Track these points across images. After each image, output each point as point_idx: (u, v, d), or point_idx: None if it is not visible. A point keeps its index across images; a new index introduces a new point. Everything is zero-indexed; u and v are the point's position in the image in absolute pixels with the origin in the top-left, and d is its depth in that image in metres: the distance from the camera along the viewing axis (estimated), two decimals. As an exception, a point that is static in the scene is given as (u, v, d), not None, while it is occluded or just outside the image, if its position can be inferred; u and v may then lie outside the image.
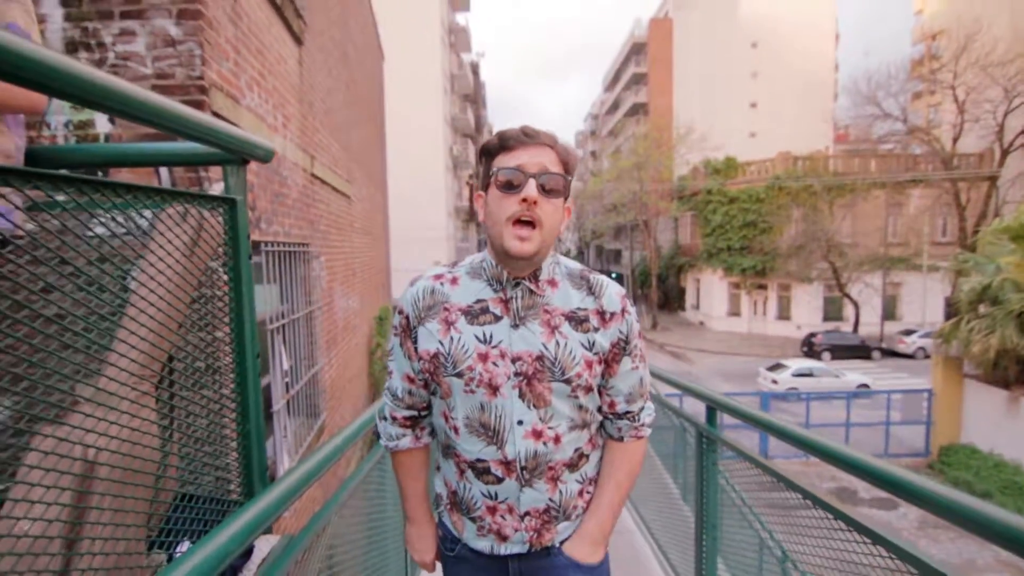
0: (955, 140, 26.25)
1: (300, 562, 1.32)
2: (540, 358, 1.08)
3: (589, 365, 1.11)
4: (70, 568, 0.98)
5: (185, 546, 1.11)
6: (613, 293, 1.16)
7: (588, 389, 1.12)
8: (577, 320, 1.12)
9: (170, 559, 1.08)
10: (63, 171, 0.96)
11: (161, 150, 1.43)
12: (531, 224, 1.06)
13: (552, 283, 1.14)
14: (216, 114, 2.59)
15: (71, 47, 2.46)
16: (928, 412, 14.09)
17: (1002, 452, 12.34)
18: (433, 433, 1.26)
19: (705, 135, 33.22)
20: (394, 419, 1.24)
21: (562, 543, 1.16)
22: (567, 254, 67.30)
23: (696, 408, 2.63)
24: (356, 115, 7.78)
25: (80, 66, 0.82)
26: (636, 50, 48.31)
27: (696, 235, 32.89)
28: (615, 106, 54.50)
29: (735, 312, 31.64)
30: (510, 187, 1.06)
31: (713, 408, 2.06)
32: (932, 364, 14.51)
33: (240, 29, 2.95)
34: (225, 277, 1.27)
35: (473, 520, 1.16)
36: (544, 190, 1.06)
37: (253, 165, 2.95)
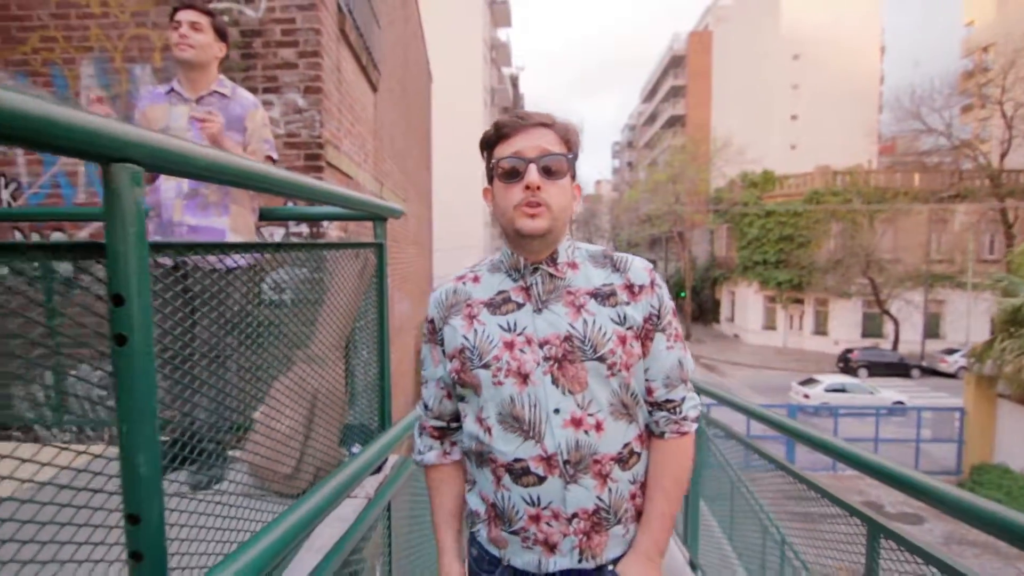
0: (1003, 156, 25.73)
1: (409, 475, 2.09)
2: (568, 338, 1.04)
3: (623, 340, 1.05)
4: (305, 451, 1.77)
5: (356, 448, 1.88)
6: (640, 267, 1.12)
7: (627, 368, 1.06)
8: (603, 296, 1.08)
9: (349, 454, 1.86)
10: (292, 240, 1.76)
11: (341, 213, 2.22)
12: (539, 205, 1.04)
13: (572, 265, 1.11)
14: (328, 163, 3.43)
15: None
16: (960, 430, 14.11)
17: (1035, 472, 12.34)
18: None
19: (743, 148, 33.26)
20: (423, 429, 1.23)
21: (614, 562, 1.07)
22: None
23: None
24: (411, 139, 8.68)
25: (305, 179, 1.59)
26: (675, 63, 48.60)
27: (732, 248, 32.91)
28: (652, 118, 54.79)
29: (770, 326, 31.48)
30: (512, 175, 1.05)
31: (698, 392, 2.78)
32: (964, 383, 14.52)
33: (341, 93, 3.80)
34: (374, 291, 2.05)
35: (516, 533, 1.08)
36: (547, 172, 1.04)
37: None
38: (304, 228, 3.20)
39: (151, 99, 2.13)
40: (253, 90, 3.32)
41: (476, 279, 1.14)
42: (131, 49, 3.39)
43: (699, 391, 2.96)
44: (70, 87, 3.44)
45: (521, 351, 1.05)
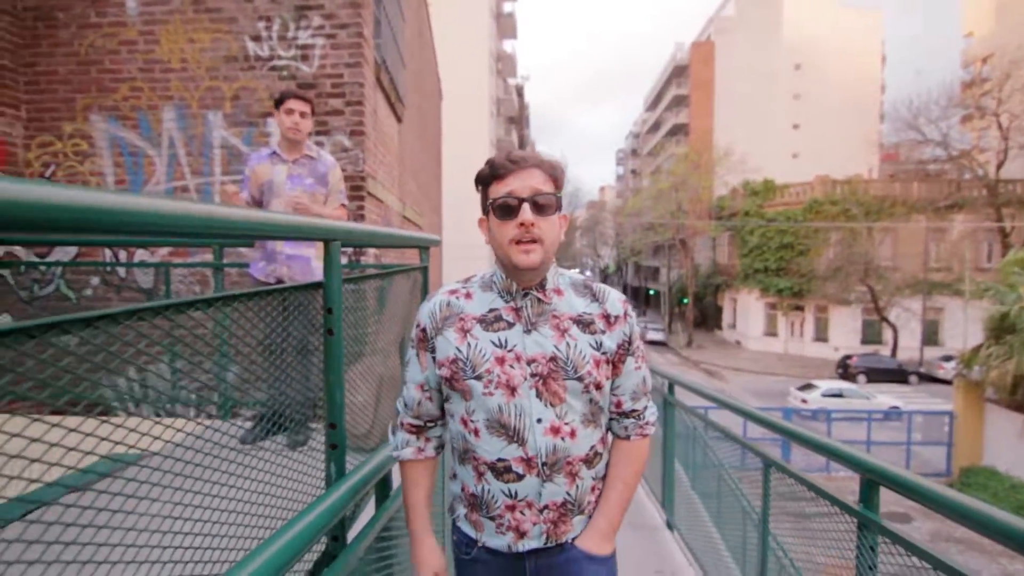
0: (999, 166, 26.23)
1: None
2: (553, 359, 1.17)
3: (597, 364, 1.19)
4: (375, 418, 2.42)
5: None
6: (615, 299, 1.25)
7: (598, 387, 1.20)
8: (584, 323, 1.21)
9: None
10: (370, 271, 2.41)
11: (404, 244, 2.87)
12: (532, 241, 1.15)
13: (558, 292, 1.23)
14: (369, 192, 4.10)
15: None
16: (950, 434, 14.62)
17: (1019, 474, 12.83)
18: (439, 448, 1.34)
19: (744, 157, 33.82)
20: (400, 426, 1.33)
21: (574, 539, 1.23)
22: (605, 270, 67.95)
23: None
24: (425, 155, 9.37)
25: (395, 232, 2.24)
26: (677, 72, 49.29)
27: (734, 255, 33.46)
28: (656, 126, 55.47)
29: (771, 332, 31.96)
30: (507, 212, 1.16)
31: (672, 383, 3.41)
32: (954, 388, 15.04)
33: (377, 132, 4.47)
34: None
35: (492, 519, 1.22)
36: (538, 209, 1.16)
37: (373, 216, 4.46)
38: (348, 249, 3.85)
39: (258, 160, 2.80)
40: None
41: (469, 295, 1.25)
42: (206, 98, 4.08)
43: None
44: (153, 129, 4.12)
45: (511, 366, 1.17)
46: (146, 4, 4.04)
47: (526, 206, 1.15)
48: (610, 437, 1.31)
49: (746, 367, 28.21)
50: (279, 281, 2.67)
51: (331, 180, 2.79)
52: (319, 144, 3.97)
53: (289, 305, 1.32)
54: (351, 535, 1.41)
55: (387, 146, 5.01)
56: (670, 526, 3.56)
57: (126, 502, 0.85)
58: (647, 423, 1.29)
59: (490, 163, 1.21)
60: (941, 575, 1.32)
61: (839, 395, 19.19)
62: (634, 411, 1.28)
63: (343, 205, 2.82)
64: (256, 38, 3.99)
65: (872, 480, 1.51)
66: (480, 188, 1.22)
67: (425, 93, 9.07)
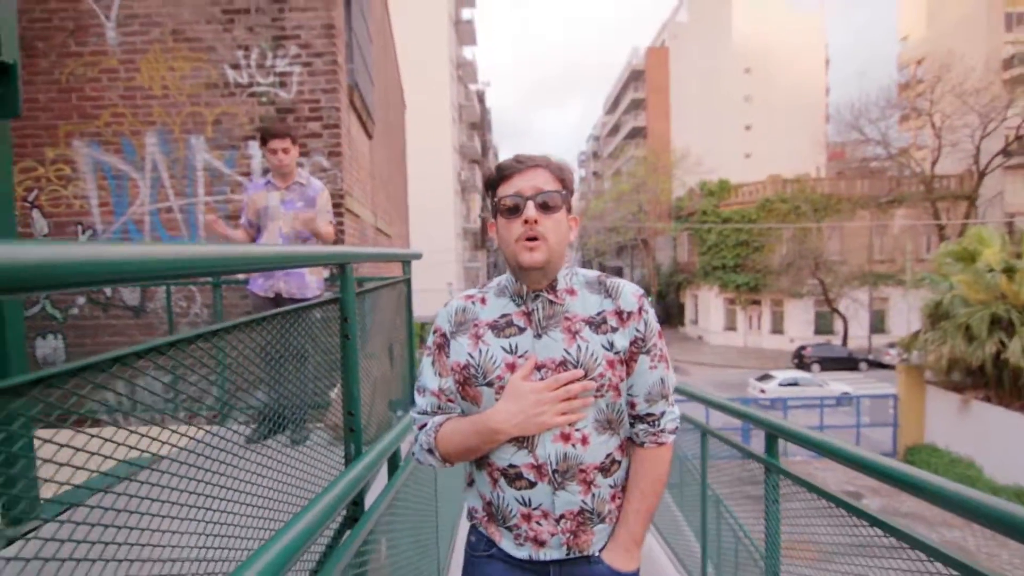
0: (933, 163, 27.96)
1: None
2: (563, 363, 1.14)
3: (611, 365, 1.15)
4: (370, 415, 2.73)
5: (400, 413, 2.84)
6: (629, 293, 1.21)
7: (614, 388, 1.16)
8: (596, 324, 1.17)
9: (395, 416, 2.83)
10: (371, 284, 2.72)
11: (390, 258, 3.18)
12: (536, 239, 1.14)
13: (571, 292, 1.20)
14: (347, 209, 4.38)
15: (267, 170, 4.26)
16: (894, 415, 15.64)
17: (957, 449, 13.86)
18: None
19: (700, 158, 35.03)
20: (422, 427, 1.27)
21: (601, 551, 1.18)
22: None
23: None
24: (392, 165, 9.62)
25: (382, 250, 2.56)
26: (634, 76, 50.56)
27: (693, 253, 34.62)
28: (616, 129, 56.69)
29: (731, 327, 33.17)
30: (512, 212, 1.16)
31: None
32: (897, 372, 16.09)
33: (352, 151, 4.75)
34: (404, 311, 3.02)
35: (510, 529, 1.19)
36: (543, 207, 1.15)
37: (351, 230, 4.74)
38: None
39: (254, 188, 3.08)
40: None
41: (483, 301, 1.24)
42: (187, 123, 4.29)
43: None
44: (137, 154, 4.31)
45: None
46: (126, 34, 4.23)
47: (530, 204, 1.15)
48: (629, 446, 1.25)
49: (708, 361, 29.20)
50: (277, 295, 2.95)
51: (319, 202, 3.09)
52: (300, 165, 4.23)
53: (311, 319, 1.63)
54: (367, 504, 1.73)
55: (360, 163, 5.29)
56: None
57: (169, 493, 0.94)
58: (662, 430, 1.22)
59: (497, 166, 1.22)
60: (834, 507, 1.71)
61: (795, 384, 20.19)
62: (649, 415, 1.21)
63: (330, 223, 3.13)
64: (235, 66, 4.23)
65: (772, 434, 1.90)
66: (488, 192, 1.24)
67: (391, 105, 9.34)
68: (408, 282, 2.99)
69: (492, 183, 1.22)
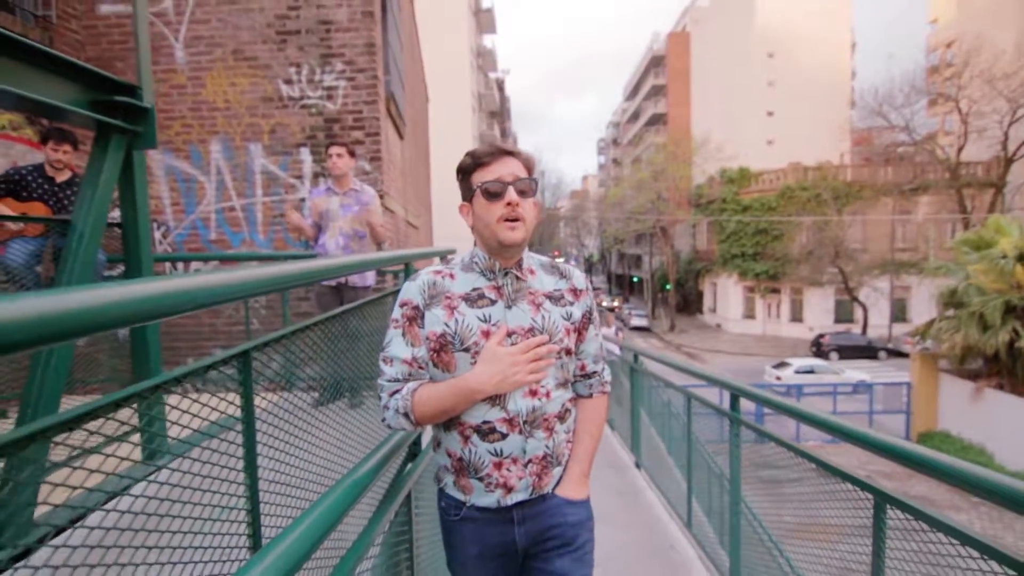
0: (959, 150, 27.48)
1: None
2: (531, 330, 1.33)
3: (568, 332, 1.36)
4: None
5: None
6: (579, 276, 1.45)
7: (569, 352, 1.38)
8: (555, 298, 1.38)
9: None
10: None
11: (423, 256, 3.72)
12: (517, 219, 1.31)
13: (531, 271, 1.39)
14: (386, 207, 4.93)
15: (317, 174, 4.83)
16: (907, 403, 15.85)
17: (969, 436, 14.07)
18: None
19: (721, 145, 34.78)
20: (393, 393, 1.32)
21: (554, 488, 1.39)
22: (589, 259, 68.92)
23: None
24: (417, 158, 10.16)
25: (420, 250, 3.10)
26: (655, 63, 50.16)
27: (712, 241, 34.59)
28: (635, 116, 56.37)
29: (750, 315, 33.21)
30: (495, 195, 1.31)
31: (636, 354, 4.36)
32: (911, 360, 16.25)
33: (388, 154, 5.30)
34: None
35: (480, 479, 1.34)
36: (521, 193, 1.31)
37: (388, 225, 5.30)
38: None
39: (317, 194, 3.65)
40: (333, 159, 4.81)
41: (452, 276, 1.37)
42: (247, 132, 4.88)
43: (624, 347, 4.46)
44: (203, 159, 4.91)
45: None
46: (192, 54, 4.81)
47: (511, 189, 1.30)
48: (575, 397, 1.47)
49: (726, 349, 29.37)
50: (339, 283, 3.52)
51: (372, 206, 3.64)
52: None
53: (386, 306, 2.17)
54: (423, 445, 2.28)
55: (395, 163, 5.83)
56: (638, 465, 4.52)
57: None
58: (606, 381, 1.49)
59: (471, 154, 1.36)
60: (788, 452, 2.21)
61: (811, 371, 20.41)
62: (595, 372, 1.46)
63: (381, 224, 3.69)
64: (288, 81, 4.79)
65: (735, 394, 2.39)
66: (461, 177, 1.37)
67: (416, 102, 9.86)
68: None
69: (467, 169, 1.36)
